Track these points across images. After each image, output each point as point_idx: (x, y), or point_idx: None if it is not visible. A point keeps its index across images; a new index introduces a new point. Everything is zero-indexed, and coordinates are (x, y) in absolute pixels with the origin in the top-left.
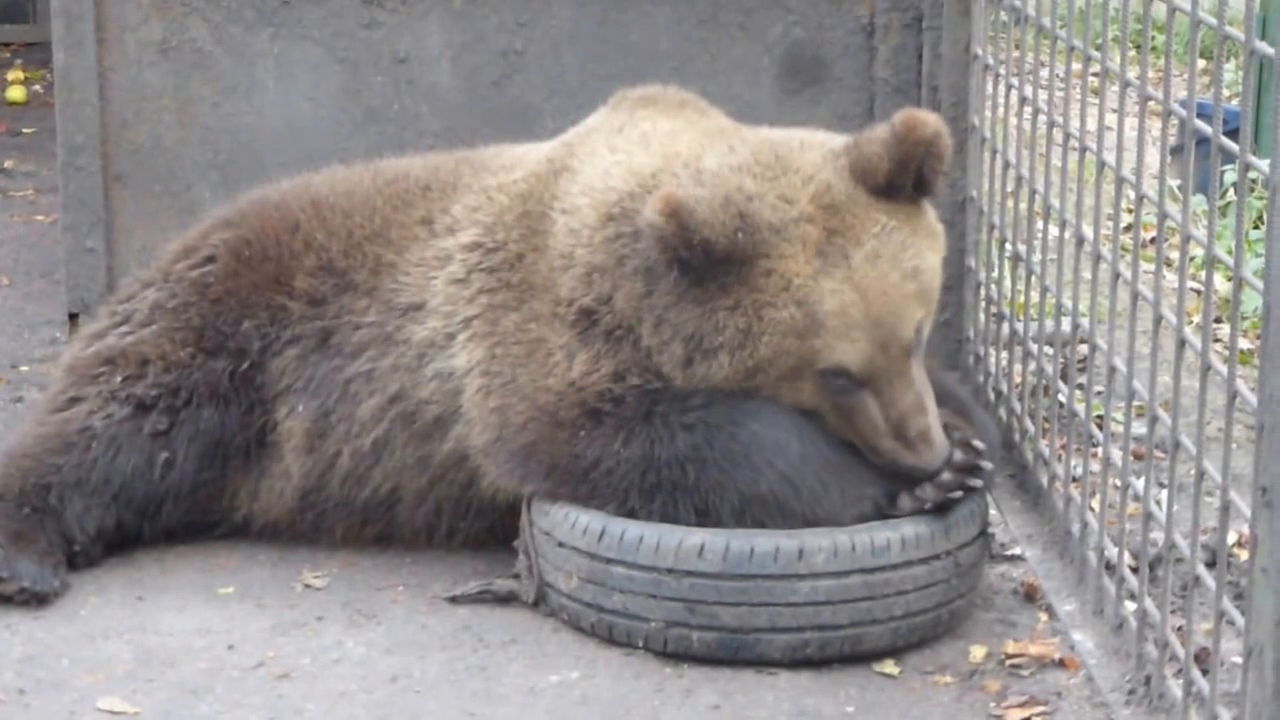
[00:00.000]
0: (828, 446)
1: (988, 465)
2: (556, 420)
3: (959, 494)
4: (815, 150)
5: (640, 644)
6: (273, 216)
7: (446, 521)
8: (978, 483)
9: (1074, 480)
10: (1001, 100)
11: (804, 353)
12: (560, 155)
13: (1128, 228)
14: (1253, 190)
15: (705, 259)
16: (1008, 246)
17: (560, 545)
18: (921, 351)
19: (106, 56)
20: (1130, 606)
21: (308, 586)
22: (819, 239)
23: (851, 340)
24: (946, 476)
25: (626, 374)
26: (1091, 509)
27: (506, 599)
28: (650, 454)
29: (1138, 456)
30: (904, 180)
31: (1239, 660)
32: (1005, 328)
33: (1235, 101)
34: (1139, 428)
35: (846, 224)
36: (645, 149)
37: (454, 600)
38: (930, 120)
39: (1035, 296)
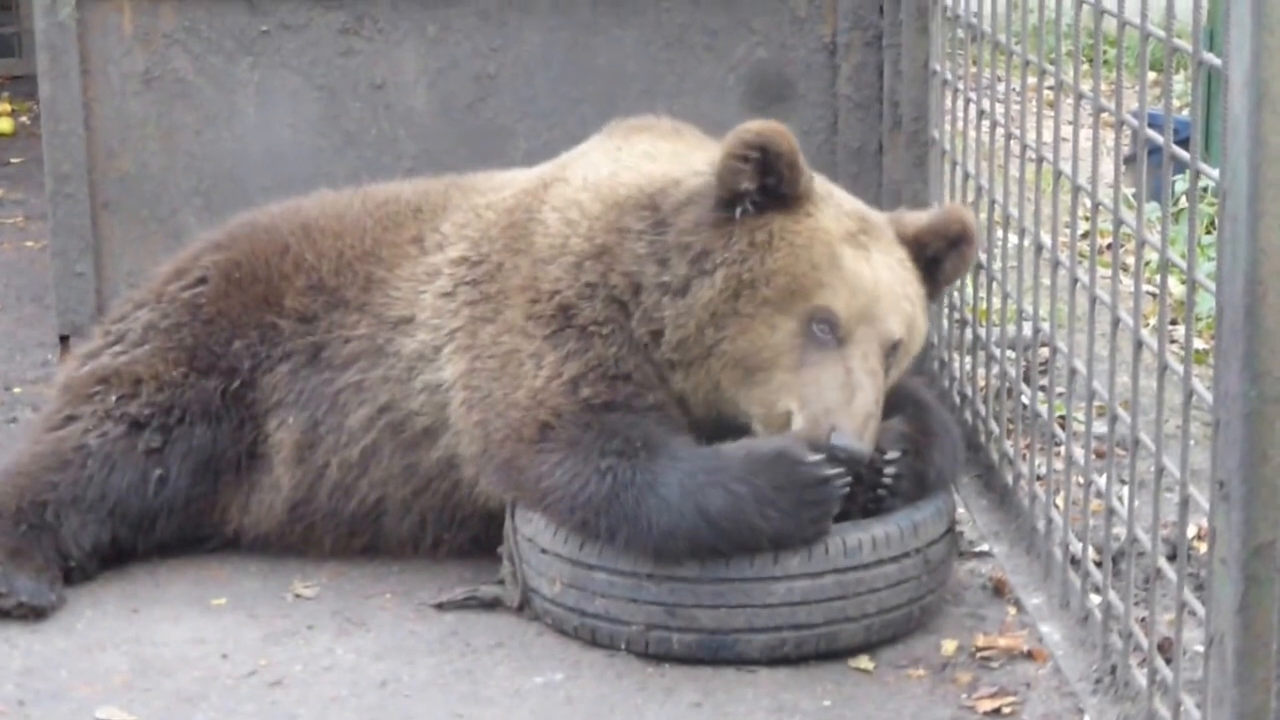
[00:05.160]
0: (724, 499)
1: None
2: (521, 436)
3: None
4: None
5: (622, 646)
6: (263, 239)
7: (431, 531)
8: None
9: (1038, 478)
10: (960, 114)
11: (806, 281)
12: (552, 171)
13: (1085, 235)
14: (1204, 197)
15: (790, 181)
16: None
17: (543, 551)
18: (886, 382)
19: (91, 88)
20: (1095, 599)
21: (298, 596)
22: (852, 230)
23: (852, 295)
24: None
25: (580, 382)
26: (1056, 506)
27: (492, 605)
28: (570, 489)
29: (1099, 454)
30: (929, 240)
31: (1201, 649)
32: (969, 333)
33: (1185, 112)
34: (1100, 427)
35: (873, 236)
36: (653, 162)
37: (440, 607)
38: (969, 219)
39: (997, 302)
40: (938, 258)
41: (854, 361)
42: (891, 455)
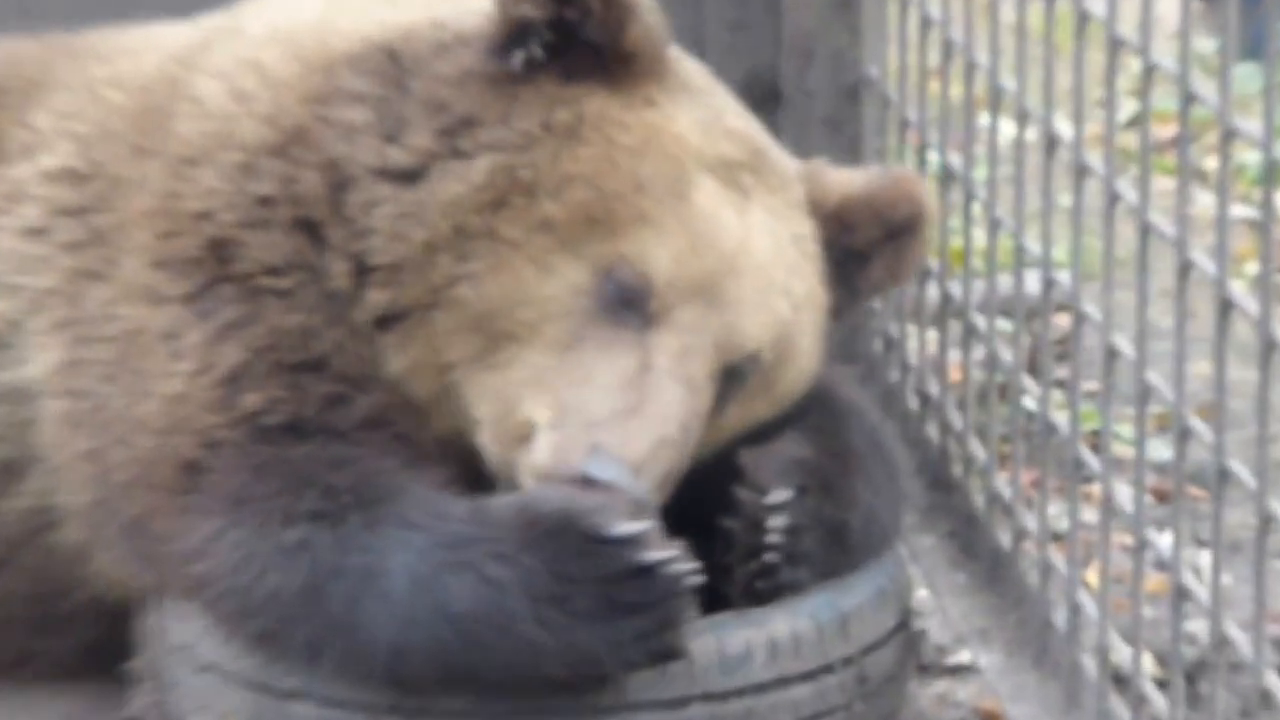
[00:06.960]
0: (475, 590)
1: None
2: (155, 479)
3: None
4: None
5: None
6: None
7: (17, 636)
8: None
9: (1055, 538)
10: None
11: (619, 208)
12: (220, 23)
13: (1132, 122)
14: None
15: (604, 25)
16: (933, 156)
17: (206, 669)
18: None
19: None
20: None
21: None
22: (729, 157)
23: (690, 251)
24: None
25: (243, 380)
26: (1086, 585)
27: None
28: (239, 579)
29: (1160, 496)
30: (859, 219)
31: None
32: (933, 289)
33: None
34: (1161, 449)
35: (764, 181)
36: (393, 7)
37: None
38: (923, 197)
39: (981, 236)
40: (866, 251)
41: (659, 356)
42: (778, 496)
